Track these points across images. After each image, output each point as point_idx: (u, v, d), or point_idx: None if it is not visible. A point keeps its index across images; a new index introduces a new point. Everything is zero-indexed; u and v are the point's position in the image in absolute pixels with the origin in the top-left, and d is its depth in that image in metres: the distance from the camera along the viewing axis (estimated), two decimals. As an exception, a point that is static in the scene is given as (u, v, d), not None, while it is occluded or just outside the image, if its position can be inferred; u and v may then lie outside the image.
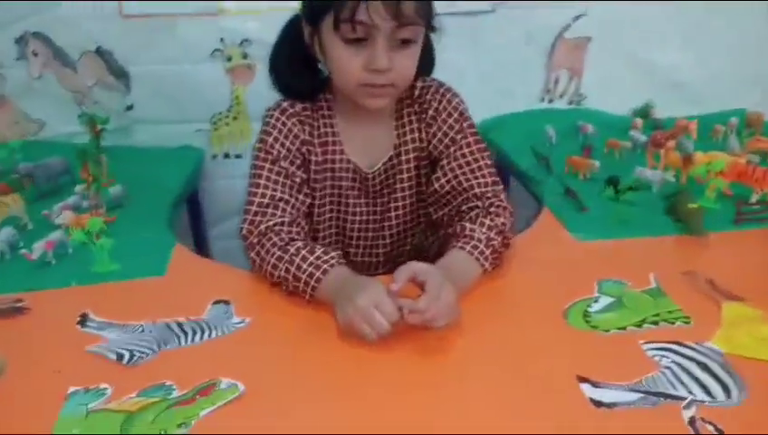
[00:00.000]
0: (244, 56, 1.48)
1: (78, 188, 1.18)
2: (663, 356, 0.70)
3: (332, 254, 0.85)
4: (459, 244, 0.87)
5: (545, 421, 0.62)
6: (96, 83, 1.48)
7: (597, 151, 1.37)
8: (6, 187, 1.21)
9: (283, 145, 0.94)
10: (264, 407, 0.66)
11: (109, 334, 0.78)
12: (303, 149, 0.96)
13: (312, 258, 0.83)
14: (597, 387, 0.65)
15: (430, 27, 0.89)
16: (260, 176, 0.93)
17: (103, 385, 0.68)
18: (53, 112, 1.51)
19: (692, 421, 0.60)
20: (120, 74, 1.48)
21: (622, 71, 1.66)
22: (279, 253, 0.85)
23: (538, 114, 1.62)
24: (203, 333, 0.78)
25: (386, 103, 0.91)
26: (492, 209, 0.92)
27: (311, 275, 0.82)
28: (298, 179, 0.94)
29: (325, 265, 0.82)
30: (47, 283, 0.92)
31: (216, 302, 0.85)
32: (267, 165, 0.93)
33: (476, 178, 0.95)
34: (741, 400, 0.63)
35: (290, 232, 0.89)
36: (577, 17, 1.57)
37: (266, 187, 0.92)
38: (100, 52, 1.45)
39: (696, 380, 0.66)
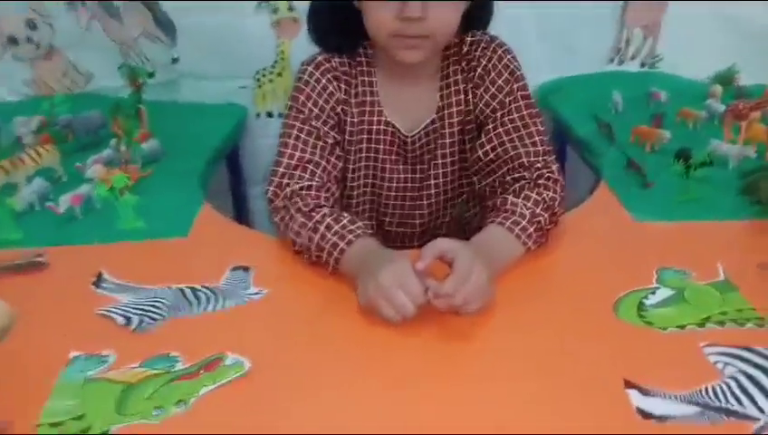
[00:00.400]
0: (290, 8, 1.41)
1: (113, 142, 1.16)
2: (728, 363, 0.60)
3: (359, 223, 0.78)
4: (499, 219, 0.78)
5: (582, 430, 0.54)
6: (141, 34, 1.45)
7: (668, 121, 1.22)
8: (48, 137, 1.21)
9: (315, 103, 0.87)
10: (270, 388, 0.61)
11: (122, 297, 0.75)
12: (338, 109, 0.89)
13: (337, 227, 0.77)
14: (647, 395, 0.57)
15: None
16: (289, 135, 0.87)
17: (106, 352, 0.65)
18: (100, 65, 1.50)
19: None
20: (167, 26, 1.43)
21: (706, 29, 1.48)
22: (303, 219, 0.79)
23: (605, 77, 1.48)
24: (216, 301, 0.74)
25: (422, 57, 0.82)
26: (540, 181, 0.83)
27: (334, 246, 0.76)
28: (330, 141, 0.88)
29: (350, 236, 0.76)
30: (70, 238, 0.90)
31: (236, 268, 0.80)
32: (298, 124, 0.87)
33: (525, 146, 0.85)
34: None
35: (317, 197, 0.83)
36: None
37: (295, 147, 0.86)
38: (145, 1, 1.41)
39: (767, 392, 0.56)
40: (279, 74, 1.50)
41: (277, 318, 0.72)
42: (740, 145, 1.06)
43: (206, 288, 0.76)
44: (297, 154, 0.86)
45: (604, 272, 0.77)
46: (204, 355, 0.64)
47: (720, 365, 0.60)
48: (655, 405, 0.55)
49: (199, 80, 1.49)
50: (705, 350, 0.62)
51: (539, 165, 0.85)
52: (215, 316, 0.71)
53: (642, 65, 1.53)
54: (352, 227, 0.77)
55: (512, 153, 0.86)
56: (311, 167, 0.85)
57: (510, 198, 0.80)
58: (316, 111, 0.87)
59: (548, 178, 0.84)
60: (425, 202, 0.97)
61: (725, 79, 1.42)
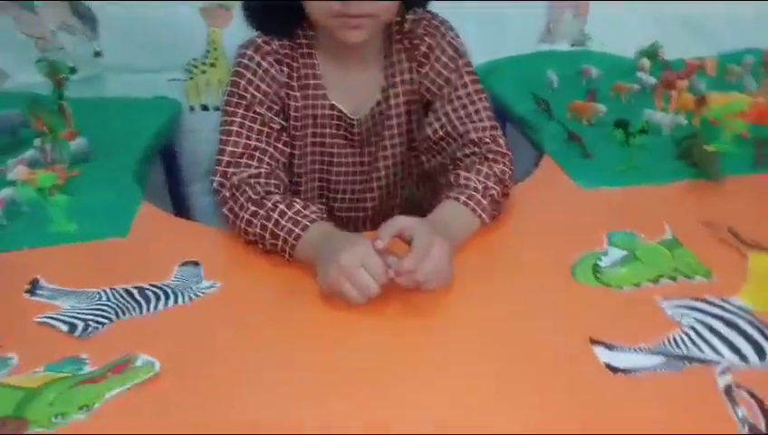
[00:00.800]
0: (220, -5, 1.36)
1: (37, 141, 1.08)
2: (684, 314, 0.62)
3: (313, 208, 0.76)
4: (453, 194, 0.78)
5: (555, 391, 0.54)
6: (59, 27, 1.36)
7: (602, 96, 1.26)
8: (-40, 142, 1.11)
9: (258, 88, 0.84)
10: (188, 388, 0.57)
11: (62, 303, 0.70)
12: (282, 93, 0.86)
13: (290, 213, 0.74)
14: (612, 350, 0.58)
15: None
16: (232, 123, 0.83)
17: (9, 354, 0.60)
18: (13, 62, 1.39)
19: (728, 390, 0.52)
20: (87, 17, 1.35)
21: (629, 9, 1.54)
22: (254, 208, 0.76)
23: (538, 57, 1.51)
24: (168, 298, 0.69)
25: (365, 37, 0.80)
26: (490, 156, 0.83)
27: (289, 232, 0.73)
28: (276, 126, 0.85)
29: (305, 221, 0.73)
30: (-2, 246, 0.83)
31: (185, 263, 0.76)
32: (241, 111, 0.83)
33: (473, 121, 0.86)
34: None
35: (267, 184, 0.80)
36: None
37: (239, 134, 0.82)
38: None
39: (725, 339, 0.59)
40: (212, 65, 1.44)
41: (234, 310, 0.68)
42: (672, 114, 1.11)
43: (155, 286, 0.71)
44: (242, 141, 0.82)
45: (558, 239, 0.78)
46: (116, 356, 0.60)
47: (677, 316, 0.62)
48: (621, 359, 0.57)
49: (126, 73, 1.41)
50: (662, 303, 0.64)
51: (488, 140, 0.85)
52: (163, 314, 0.67)
53: (572, 44, 1.57)
54: (306, 213, 0.74)
55: (460, 130, 0.86)
56: (257, 154, 0.82)
57: (462, 173, 0.80)
58: (259, 96, 0.84)
59: (497, 153, 0.84)
60: (374, 185, 0.96)
61: (651, 53, 1.48)
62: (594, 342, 0.59)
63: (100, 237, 0.83)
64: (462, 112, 0.86)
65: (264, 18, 0.86)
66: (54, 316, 0.67)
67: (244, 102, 0.84)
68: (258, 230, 0.75)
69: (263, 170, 0.81)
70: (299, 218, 0.74)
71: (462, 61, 0.88)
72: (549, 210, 0.87)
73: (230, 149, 0.82)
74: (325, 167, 0.93)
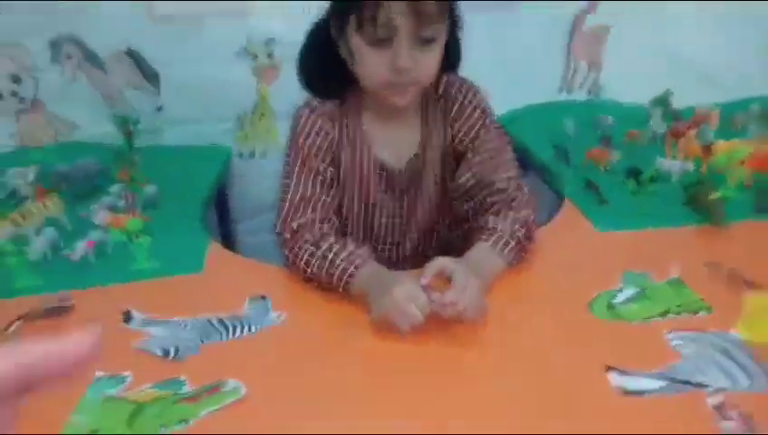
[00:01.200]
0: (270, 55, 1.52)
1: (113, 188, 1.23)
2: (685, 344, 0.72)
3: (363, 249, 0.88)
4: (483, 237, 0.90)
5: (573, 412, 0.65)
6: (126, 85, 1.52)
7: (616, 143, 1.38)
8: (43, 188, 1.26)
9: (313, 144, 0.97)
10: (268, 410, 0.69)
11: (153, 330, 0.82)
12: (333, 147, 0.99)
13: (344, 254, 0.87)
14: (624, 375, 0.68)
15: (454, 24, 0.92)
16: (292, 175, 0.97)
17: (125, 372, 0.73)
18: (85, 114, 1.56)
19: (719, 407, 0.62)
20: (150, 75, 1.52)
21: (641, 60, 1.66)
22: (312, 248, 0.89)
23: (556, 107, 1.64)
24: (243, 328, 0.82)
25: (410, 100, 0.93)
26: (514, 203, 0.95)
27: (344, 271, 0.85)
28: (328, 176, 0.97)
29: (358, 260, 0.86)
30: (89, 281, 0.96)
31: (254, 298, 0.88)
32: (298, 164, 0.97)
33: (499, 172, 0.98)
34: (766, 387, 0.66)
35: (321, 229, 0.93)
36: (591, 6, 1.58)
37: (297, 185, 0.96)
38: (129, 53, 1.49)
39: (718, 365, 0.69)
40: (261, 117, 1.59)
41: (300, 338, 0.80)
42: (680, 161, 1.22)
43: (232, 317, 0.84)
44: (300, 192, 0.95)
45: (577, 278, 0.89)
46: (209, 380, 0.72)
47: (680, 347, 0.72)
48: (632, 383, 0.67)
49: (183, 124, 1.57)
50: (668, 335, 0.74)
51: (513, 188, 0.97)
52: (241, 342, 0.79)
53: (588, 94, 1.70)
54: (359, 252, 0.87)
55: (488, 179, 0.98)
56: (313, 202, 0.95)
57: (491, 217, 0.92)
58: (314, 150, 0.97)
59: (521, 200, 0.96)
60: (413, 228, 1.07)
61: (662, 102, 1.60)
62: (609, 368, 0.69)
63: (179, 273, 0.96)
64: (489, 164, 0.99)
65: (319, 84, 0.99)
66: (149, 342, 0.80)
67: (301, 156, 0.97)
68: (315, 270, 0.88)
69: (318, 216, 0.94)
70: (353, 259, 0.86)
71: (488, 119, 1.01)
72: (569, 251, 0.98)
73: (290, 197, 0.95)
74: (369, 212, 1.06)
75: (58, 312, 0.89)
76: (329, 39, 0.93)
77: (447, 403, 0.67)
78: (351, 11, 0.84)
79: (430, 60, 0.89)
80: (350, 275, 0.85)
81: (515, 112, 1.63)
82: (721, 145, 1.18)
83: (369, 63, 0.88)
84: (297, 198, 0.95)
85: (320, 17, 0.95)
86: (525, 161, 1.51)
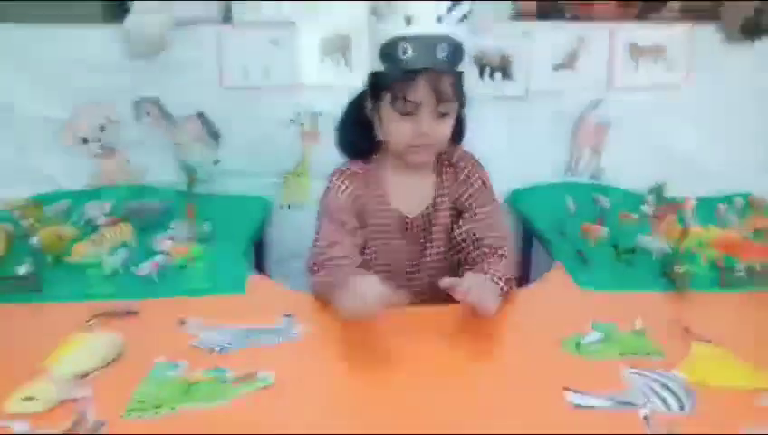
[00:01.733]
0: (314, 124, 1.78)
1: (173, 223, 1.46)
2: (634, 378, 0.88)
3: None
4: (480, 273, 1.09)
5: (534, 417, 0.81)
6: (192, 140, 1.79)
7: (610, 221, 1.56)
8: (115, 220, 1.50)
9: (338, 200, 1.19)
10: (290, 397, 0.86)
11: (203, 334, 1.02)
12: (358, 203, 1.20)
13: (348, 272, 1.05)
14: (578, 394, 0.84)
15: (462, 104, 1.15)
16: (322, 223, 1.19)
17: (181, 360, 0.92)
18: (155, 162, 1.82)
19: (646, 418, 0.78)
20: (214, 134, 1.78)
21: (640, 151, 1.87)
22: (326, 276, 1.08)
23: (561, 186, 1.84)
24: (276, 336, 1.01)
25: (427, 159, 1.16)
26: (502, 252, 1.14)
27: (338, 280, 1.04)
28: (350, 224, 1.18)
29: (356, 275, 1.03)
30: (151, 294, 1.17)
31: (286, 315, 1.07)
32: (327, 215, 1.19)
33: (490, 231, 1.17)
34: (692, 412, 0.81)
35: (339, 265, 1.11)
36: (596, 102, 1.81)
37: (326, 231, 1.17)
38: (199, 115, 1.76)
39: (658, 395, 0.84)
40: (299, 175, 1.84)
41: (322, 346, 0.99)
42: (660, 242, 1.39)
43: (267, 328, 1.03)
44: (328, 236, 1.16)
45: (554, 322, 1.06)
46: (248, 371, 0.90)
47: (630, 379, 0.88)
48: (583, 400, 0.83)
49: (235, 177, 1.81)
50: (623, 370, 0.90)
51: (500, 244, 1.16)
52: (272, 347, 0.98)
53: (591, 177, 1.90)
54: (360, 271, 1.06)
55: (479, 235, 1.17)
56: (337, 245, 1.14)
57: (483, 265, 1.11)
58: (340, 204, 1.19)
59: (502, 255, 1.14)
60: (425, 268, 1.26)
61: (657, 190, 1.79)
62: (566, 389, 0.85)
63: (224, 293, 1.17)
64: (483, 223, 1.19)
65: (352, 147, 1.23)
66: (199, 342, 0.99)
67: (329, 209, 1.19)
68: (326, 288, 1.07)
69: (340, 254, 1.13)
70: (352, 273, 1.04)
71: (488, 189, 1.22)
72: (552, 303, 1.16)
73: (318, 243, 1.16)
74: (387, 254, 1.25)
75: (125, 314, 1.09)
76: (362, 110, 1.17)
77: (435, 408, 0.84)
78: (387, 90, 1.08)
79: (444, 128, 1.12)
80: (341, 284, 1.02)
81: (524, 190, 1.84)
82: (695, 229, 1.36)
83: (399, 130, 1.11)
84: (325, 241, 1.15)
85: (356, 94, 1.20)
86: (529, 231, 1.72)
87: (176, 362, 0.93)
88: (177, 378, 0.89)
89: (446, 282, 0.99)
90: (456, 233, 1.20)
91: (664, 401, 0.83)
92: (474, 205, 1.20)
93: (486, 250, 1.15)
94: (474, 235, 1.18)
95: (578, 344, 0.98)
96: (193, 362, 0.92)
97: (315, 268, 1.12)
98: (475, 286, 0.98)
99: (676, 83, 1.82)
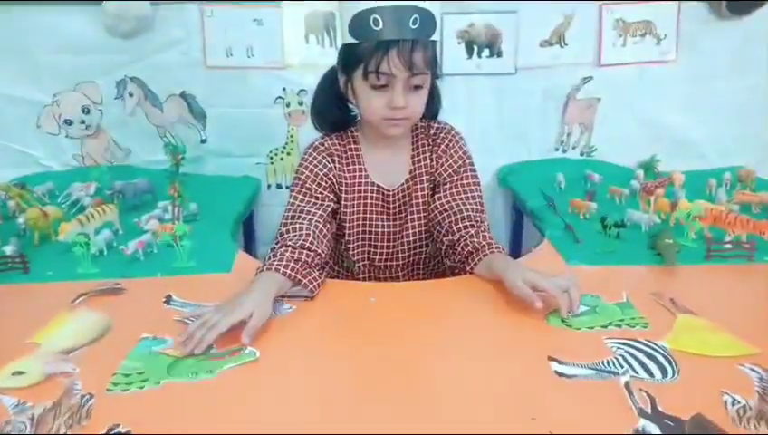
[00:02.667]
0: (300, 103, 1.76)
1: (161, 203, 1.45)
2: (619, 347, 0.89)
3: (311, 273, 1.06)
4: (490, 251, 1.10)
5: (519, 385, 0.81)
6: (178, 121, 1.77)
7: (600, 197, 1.57)
8: (101, 200, 1.49)
9: (311, 172, 1.18)
10: (273, 369, 0.86)
11: (188, 311, 1.01)
12: (331, 176, 1.19)
13: (286, 259, 1.03)
14: (562, 364, 0.85)
15: (435, 76, 1.13)
16: (291, 194, 1.18)
17: (167, 336, 0.92)
18: (139, 143, 1.81)
19: (626, 385, 0.79)
20: (199, 114, 1.77)
21: (631, 128, 1.87)
22: (284, 251, 1.06)
23: (551, 163, 1.84)
24: (261, 312, 1.00)
25: (402, 132, 1.15)
26: (482, 228, 1.15)
27: (264, 264, 1.04)
28: (321, 196, 1.17)
29: (278, 266, 1.02)
30: (137, 273, 1.16)
31: (271, 292, 1.07)
32: (297, 188, 1.18)
33: (469, 204, 1.18)
34: (675, 380, 0.81)
35: (300, 237, 1.08)
36: (585, 80, 1.80)
37: (293, 203, 1.16)
38: (184, 95, 1.74)
39: (642, 364, 0.84)
40: (288, 153, 1.83)
41: (303, 323, 0.99)
42: (650, 214, 1.40)
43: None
44: (295, 205, 1.15)
45: (542, 295, 1.06)
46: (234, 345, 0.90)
47: (614, 349, 0.88)
48: (566, 370, 0.83)
49: (222, 157, 1.80)
50: (605, 340, 0.91)
51: (479, 218, 1.16)
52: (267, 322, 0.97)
53: (581, 154, 1.90)
54: (285, 264, 1.02)
55: (457, 208, 1.17)
56: (302, 214, 1.13)
57: (479, 240, 1.12)
58: (312, 176, 1.17)
59: (482, 227, 1.15)
60: (405, 241, 1.26)
61: (648, 165, 1.80)
62: (550, 358, 0.86)
63: (211, 272, 1.16)
64: (462, 197, 1.19)
65: (325, 120, 1.22)
66: (185, 319, 0.98)
67: (300, 182, 1.18)
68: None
69: (305, 224, 1.10)
70: (280, 264, 1.02)
71: (468, 161, 1.22)
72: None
73: (287, 212, 1.15)
74: (367, 229, 1.24)
75: (111, 292, 1.09)
76: (336, 84, 1.16)
77: (420, 378, 0.84)
78: (359, 63, 1.07)
79: (418, 101, 1.11)
80: (260, 270, 1.03)
81: (515, 165, 1.84)
82: (682, 203, 1.36)
83: (372, 103, 1.10)
84: (291, 211, 1.15)
85: (330, 68, 1.18)
86: (520, 207, 1.72)
87: (162, 338, 0.92)
88: (164, 353, 0.89)
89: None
90: (434, 205, 1.20)
91: (647, 369, 0.84)
92: (454, 177, 1.20)
93: (467, 223, 1.15)
94: (452, 207, 1.18)
95: (564, 318, 0.98)
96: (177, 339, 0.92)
97: (276, 238, 1.11)
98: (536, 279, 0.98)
99: (665, 59, 1.81)
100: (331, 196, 1.19)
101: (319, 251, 1.08)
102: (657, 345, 0.90)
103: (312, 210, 1.14)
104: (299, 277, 1.03)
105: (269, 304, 0.96)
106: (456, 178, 1.20)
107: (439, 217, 1.20)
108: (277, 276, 1.01)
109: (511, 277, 1.01)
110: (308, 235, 1.09)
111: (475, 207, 1.18)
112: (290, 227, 1.11)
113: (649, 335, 0.92)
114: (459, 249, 1.14)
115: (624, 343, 0.90)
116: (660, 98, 1.85)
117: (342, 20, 1.07)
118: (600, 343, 0.91)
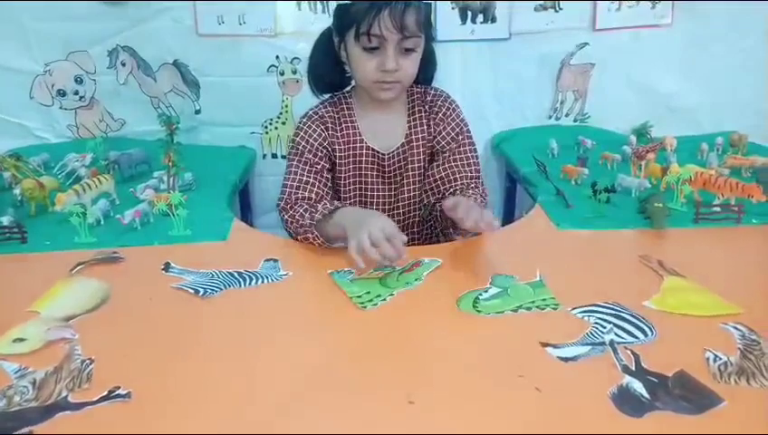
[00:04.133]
0: (294, 72, 1.75)
1: (156, 173, 1.46)
2: (589, 316, 0.88)
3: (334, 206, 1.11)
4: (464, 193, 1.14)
5: (506, 349, 0.83)
6: (171, 90, 1.77)
7: (593, 162, 1.58)
8: (96, 171, 1.49)
9: (307, 142, 1.20)
10: (270, 325, 0.89)
11: (187, 277, 1.03)
12: (326, 144, 1.20)
13: (321, 208, 1.10)
14: (558, 348, 0.87)
15: (430, 39, 1.13)
16: (291, 166, 1.20)
17: (348, 269, 1.03)
18: (133, 113, 1.80)
19: (611, 343, 0.81)
20: (192, 84, 1.76)
21: (625, 94, 1.87)
22: (306, 214, 1.11)
23: (545, 129, 1.85)
24: (257, 279, 1.02)
25: (394, 96, 1.15)
26: (476, 184, 1.19)
27: (325, 207, 1.09)
28: (319, 166, 1.19)
29: (337, 204, 1.09)
30: (135, 242, 1.18)
31: (267, 259, 1.09)
32: (296, 158, 1.20)
33: (467, 170, 1.20)
34: (655, 338, 0.83)
35: (313, 205, 1.14)
36: (580, 46, 1.79)
37: (295, 173, 1.18)
38: (176, 64, 1.73)
39: (619, 327, 0.85)
40: (283, 123, 1.83)
41: (301, 289, 1.01)
42: (641, 179, 1.41)
43: (249, 272, 1.04)
44: (297, 177, 1.18)
45: (529, 263, 1.07)
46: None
47: (585, 318, 0.87)
48: (565, 352, 0.85)
49: (217, 126, 1.80)
50: (571, 311, 0.89)
51: (476, 181, 1.19)
52: (258, 288, 1.00)
53: (575, 120, 1.90)
54: (328, 208, 1.09)
55: (453, 177, 1.20)
56: (308, 186, 1.17)
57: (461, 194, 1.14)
58: (308, 147, 1.19)
59: (478, 187, 1.19)
60: (400, 205, 1.27)
61: (641, 131, 1.80)
62: (545, 344, 0.82)
63: (207, 240, 1.18)
64: (460, 163, 1.21)
65: (321, 81, 1.23)
66: (184, 285, 1.00)
67: (297, 151, 1.20)
68: (307, 226, 1.09)
69: (312, 195, 1.15)
70: (331, 207, 1.09)
71: (465, 128, 1.23)
72: (529, 244, 1.17)
73: (290, 183, 1.17)
74: (363, 192, 1.26)
75: (110, 260, 1.10)
76: (331, 45, 1.16)
77: (415, 351, 0.86)
78: (351, 25, 1.07)
79: (410, 64, 1.12)
80: (331, 212, 1.08)
81: (510, 132, 1.85)
82: (673, 167, 1.37)
83: (363, 66, 1.10)
84: (295, 183, 1.17)
85: (324, 29, 1.19)
86: (513, 173, 1.73)
87: (348, 269, 1.03)
88: (364, 277, 1.00)
89: (447, 203, 1.03)
90: (434, 171, 1.21)
91: (627, 331, 0.84)
92: (452, 144, 1.21)
93: (463, 187, 1.17)
94: (449, 175, 1.20)
95: (475, 301, 0.93)
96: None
97: (287, 207, 1.14)
98: (471, 206, 1.00)
99: (660, 23, 1.80)
100: (328, 165, 1.21)
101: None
102: (623, 307, 0.90)
103: (313, 180, 1.17)
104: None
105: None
106: (454, 145, 1.21)
107: (434, 184, 1.21)
108: (351, 209, 1.13)
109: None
110: (318, 203, 1.14)
111: (471, 174, 1.20)
112: (299, 196, 1.15)
113: (638, 297, 0.93)
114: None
115: (591, 312, 0.89)
116: (655, 63, 1.85)
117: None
118: (570, 316, 0.89)
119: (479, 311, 0.91)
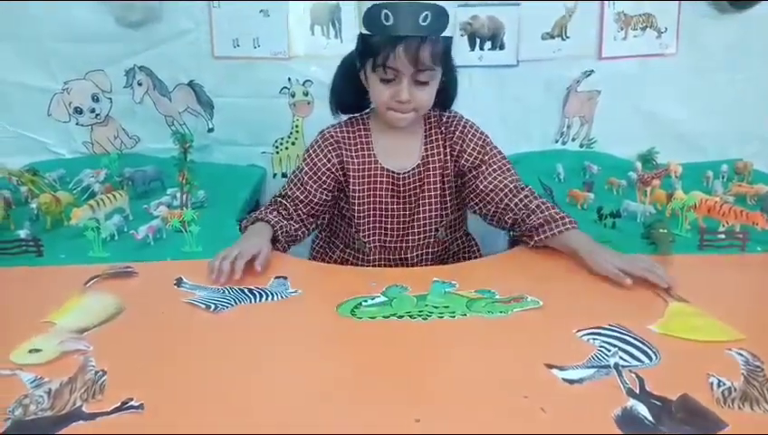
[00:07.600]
0: (306, 94, 1.79)
1: (170, 190, 1.49)
2: (595, 338, 0.89)
3: (278, 225, 1.20)
4: (566, 227, 1.15)
5: (512, 370, 0.85)
6: (185, 110, 1.81)
7: (598, 187, 1.60)
8: (111, 187, 1.52)
9: (313, 166, 1.25)
10: (277, 341, 0.91)
11: (199, 292, 1.05)
12: (334, 169, 1.25)
13: (262, 214, 1.22)
14: (564, 370, 0.88)
15: (450, 70, 1.17)
16: (293, 177, 1.27)
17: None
18: (147, 131, 1.84)
19: (616, 366, 0.82)
20: (207, 104, 1.80)
21: (631, 120, 1.89)
22: (273, 210, 1.23)
23: (552, 154, 1.87)
24: (267, 296, 1.04)
25: (407, 123, 1.19)
26: (535, 196, 1.22)
27: (260, 214, 1.23)
28: (312, 190, 1.25)
29: (285, 224, 1.20)
30: (148, 257, 1.20)
31: (277, 277, 1.11)
32: (296, 177, 1.27)
33: (508, 175, 1.24)
34: (659, 362, 0.84)
35: (281, 213, 1.24)
36: (586, 73, 1.82)
37: (288, 187, 1.27)
38: (191, 85, 1.78)
39: (623, 350, 0.86)
40: (293, 144, 1.86)
41: (310, 306, 1.02)
42: (646, 204, 1.43)
43: (259, 289, 1.06)
44: (290, 190, 1.26)
45: (524, 286, 1.09)
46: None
47: (591, 341, 0.88)
48: (571, 374, 0.86)
49: (229, 145, 1.84)
50: (577, 334, 0.91)
51: (524, 187, 1.23)
52: (264, 305, 1.01)
53: (581, 146, 1.93)
54: (258, 216, 1.21)
55: (502, 184, 1.22)
56: (292, 198, 1.25)
57: (540, 213, 1.17)
58: (310, 173, 1.25)
59: (532, 192, 1.22)
60: (417, 226, 1.30)
61: (647, 157, 1.81)
62: (550, 366, 0.83)
63: (219, 257, 1.20)
64: (499, 174, 1.24)
65: (342, 101, 1.27)
66: (195, 300, 1.02)
67: (304, 170, 1.26)
68: (252, 218, 1.21)
69: (289, 205, 1.23)
70: (259, 217, 1.20)
71: (490, 145, 1.26)
72: (531, 268, 1.18)
73: (282, 190, 1.25)
74: (378, 211, 1.28)
75: (123, 275, 1.12)
76: (353, 70, 1.21)
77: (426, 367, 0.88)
78: (370, 56, 1.11)
79: (425, 95, 1.15)
80: (257, 220, 1.20)
81: (515, 156, 1.86)
82: (678, 194, 1.39)
83: (380, 94, 1.15)
84: (284, 192, 1.26)
85: (349, 53, 1.23)
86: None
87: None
88: (458, 293, 1.03)
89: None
90: (481, 187, 1.23)
91: (631, 355, 0.86)
92: (485, 158, 1.24)
93: (522, 195, 1.21)
94: (497, 186, 1.22)
95: (356, 308, 0.98)
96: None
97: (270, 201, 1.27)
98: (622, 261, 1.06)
99: (665, 52, 1.84)
100: (326, 192, 1.26)
101: (298, 233, 1.26)
102: (626, 330, 0.91)
103: (300, 196, 1.26)
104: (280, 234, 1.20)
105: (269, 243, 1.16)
106: (486, 158, 1.25)
107: (482, 197, 1.23)
108: (268, 226, 1.20)
109: (599, 260, 1.08)
110: (290, 217, 1.25)
111: (514, 177, 1.23)
112: (273, 199, 1.26)
113: (643, 322, 0.94)
114: (530, 221, 1.18)
115: (596, 334, 0.91)
116: (660, 91, 1.87)
117: (360, 10, 1.11)
118: (576, 339, 0.90)
119: (358, 317, 0.96)
